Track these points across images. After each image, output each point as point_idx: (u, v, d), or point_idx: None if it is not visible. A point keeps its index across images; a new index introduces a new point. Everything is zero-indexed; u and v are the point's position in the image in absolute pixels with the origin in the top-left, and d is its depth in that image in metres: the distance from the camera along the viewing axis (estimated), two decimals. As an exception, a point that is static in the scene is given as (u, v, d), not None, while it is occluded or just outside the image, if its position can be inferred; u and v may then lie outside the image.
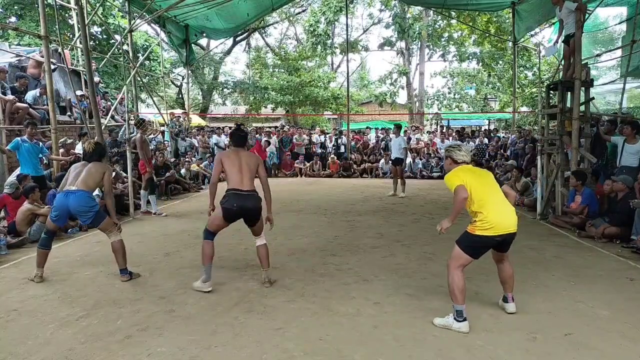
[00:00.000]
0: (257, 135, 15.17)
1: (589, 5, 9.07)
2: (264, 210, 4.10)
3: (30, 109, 8.61)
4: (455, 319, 3.14)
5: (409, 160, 14.34)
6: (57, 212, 4.21)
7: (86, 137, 8.13)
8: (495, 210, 3.15)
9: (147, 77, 17.54)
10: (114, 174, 8.31)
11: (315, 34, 21.42)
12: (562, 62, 7.91)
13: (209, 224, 4.05)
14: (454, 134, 16.18)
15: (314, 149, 15.27)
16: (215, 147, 14.39)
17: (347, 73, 18.18)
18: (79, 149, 8.52)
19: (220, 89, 25.99)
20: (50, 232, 4.35)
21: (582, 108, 6.91)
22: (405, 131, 16.58)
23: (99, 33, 17.48)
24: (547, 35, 27.67)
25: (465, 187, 3.12)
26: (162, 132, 14.28)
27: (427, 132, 17.51)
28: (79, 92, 10.02)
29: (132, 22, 11.09)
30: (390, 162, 11.28)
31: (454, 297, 3.15)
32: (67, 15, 14.59)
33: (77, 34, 10.17)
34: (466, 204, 3.16)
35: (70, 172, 4.37)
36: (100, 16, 13.62)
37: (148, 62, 17.33)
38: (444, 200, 9.16)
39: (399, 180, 9.89)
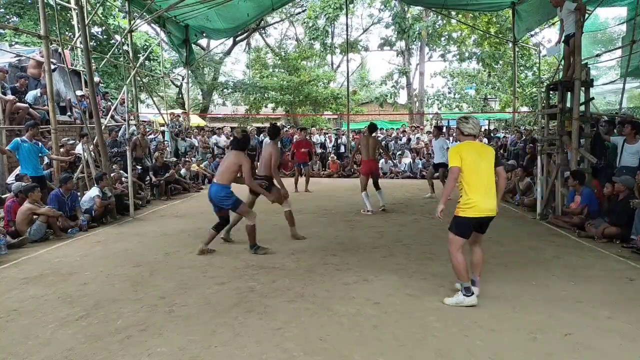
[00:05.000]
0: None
1: (589, 5, 9.06)
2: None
3: (30, 109, 8.61)
4: (464, 295, 3.45)
5: (408, 160, 14.35)
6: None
7: (86, 138, 8.14)
8: (479, 193, 3.38)
9: (147, 77, 17.54)
10: (113, 174, 8.34)
11: (313, 29, 21.36)
12: (562, 62, 7.92)
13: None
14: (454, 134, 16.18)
15: (314, 149, 15.25)
16: (215, 147, 14.39)
17: (347, 73, 18.18)
18: (79, 149, 8.53)
19: (220, 89, 25.98)
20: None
21: (582, 108, 6.91)
22: (404, 131, 16.62)
23: (99, 33, 17.48)
24: (547, 35, 27.73)
25: (459, 168, 3.38)
26: (162, 132, 14.31)
27: (427, 132, 17.50)
28: (79, 92, 10.02)
29: (132, 22, 11.09)
30: (432, 165, 10.34)
31: (460, 276, 3.47)
32: (67, 15, 14.58)
33: (77, 34, 10.17)
34: (455, 184, 3.46)
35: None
36: (101, 16, 13.63)
37: (148, 62, 17.33)
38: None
39: (433, 182, 9.60)
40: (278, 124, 18.75)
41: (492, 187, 3.44)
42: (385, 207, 8.04)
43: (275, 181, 5.79)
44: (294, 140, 15.07)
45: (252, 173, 5.00)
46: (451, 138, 15.62)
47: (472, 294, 3.47)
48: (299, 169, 11.21)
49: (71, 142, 8.31)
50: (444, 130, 17.78)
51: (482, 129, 19.61)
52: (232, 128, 17.61)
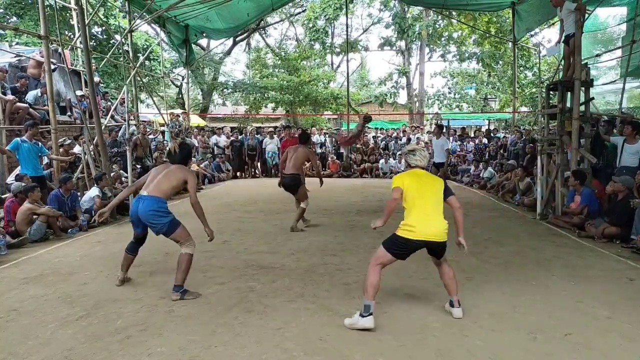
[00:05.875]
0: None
1: (589, 5, 9.07)
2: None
3: (30, 109, 8.62)
4: (361, 314, 3.18)
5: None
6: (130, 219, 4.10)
7: (81, 138, 8.14)
8: (420, 216, 3.28)
9: (147, 77, 17.54)
10: (113, 173, 8.34)
11: (314, 30, 21.37)
12: (562, 62, 7.91)
13: None
14: (454, 134, 16.20)
15: (314, 149, 15.27)
16: (215, 147, 14.39)
17: (347, 73, 18.17)
18: (78, 149, 8.53)
19: (220, 89, 25.99)
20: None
21: (582, 108, 6.91)
22: (404, 131, 16.62)
23: (99, 33, 17.48)
24: (547, 35, 27.73)
25: (400, 189, 3.34)
26: (162, 132, 14.31)
27: (427, 132, 17.51)
28: (79, 92, 10.02)
29: (132, 22, 11.09)
30: (432, 165, 10.06)
31: (365, 292, 3.25)
32: (67, 15, 14.58)
33: (77, 34, 10.17)
34: (397, 204, 3.36)
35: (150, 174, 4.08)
36: (101, 16, 13.63)
37: (148, 62, 17.33)
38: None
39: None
40: (278, 124, 18.82)
41: (438, 214, 3.31)
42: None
43: (318, 178, 6.79)
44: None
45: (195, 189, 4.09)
46: (451, 138, 15.65)
47: (370, 314, 3.16)
48: None
49: (68, 141, 8.31)
50: (444, 130, 17.86)
51: (482, 129, 19.68)
52: (232, 128, 17.60)
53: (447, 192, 3.40)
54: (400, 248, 3.31)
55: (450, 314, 3.41)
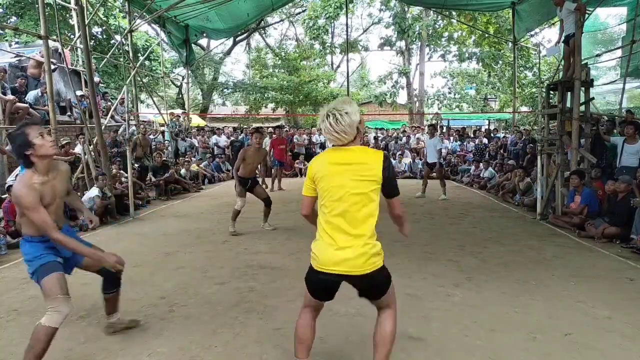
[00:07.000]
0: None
1: (589, 5, 9.07)
2: None
3: (30, 109, 8.61)
4: None
5: (408, 160, 14.35)
6: None
7: (81, 137, 8.14)
8: (327, 231, 2.13)
9: (147, 77, 17.54)
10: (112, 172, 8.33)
11: (314, 28, 21.35)
12: (562, 62, 7.91)
13: None
14: (454, 134, 16.20)
15: (313, 149, 15.27)
16: (215, 147, 14.39)
17: (347, 73, 18.16)
18: (78, 149, 8.53)
19: (220, 89, 25.99)
20: None
21: (582, 108, 6.91)
22: (404, 131, 16.62)
23: (99, 33, 17.48)
24: (547, 35, 27.75)
25: (311, 198, 2.29)
26: (162, 132, 14.31)
27: (427, 132, 17.48)
28: (79, 92, 10.02)
29: (132, 22, 11.09)
30: (425, 164, 10.20)
31: (294, 345, 2.34)
32: (67, 15, 14.59)
33: (77, 34, 10.17)
34: (309, 214, 2.35)
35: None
36: (101, 16, 13.63)
37: (148, 62, 17.33)
38: (444, 200, 9.17)
39: (427, 182, 9.64)
40: (278, 124, 18.81)
41: (358, 225, 2.09)
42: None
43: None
44: (294, 140, 15.16)
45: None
46: (451, 138, 15.64)
47: None
48: (278, 169, 11.23)
49: (66, 141, 8.31)
50: (444, 130, 17.85)
51: (482, 129, 19.68)
52: (234, 128, 17.60)
53: (388, 188, 2.15)
54: (311, 283, 2.26)
55: None
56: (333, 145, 2.20)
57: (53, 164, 2.68)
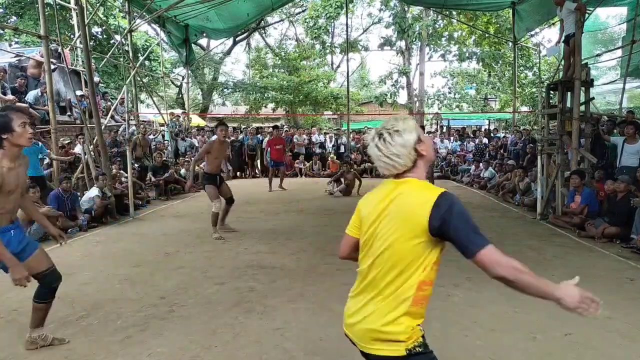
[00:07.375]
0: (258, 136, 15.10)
1: (589, 5, 9.07)
2: None
3: (30, 109, 8.61)
4: None
5: None
6: None
7: (80, 137, 8.15)
8: (356, 285, 1.74)
9: (147, 77, 17.54)
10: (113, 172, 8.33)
11: (315, 28, 21.34)
12: (562, 62, 7.91)
13: None
14: (455, 134, 16.20)
15: (313, 149, 15.27)
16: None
17: (347, 73, 18.16)
18: (78, 149, 8.53)
19: (220, 89, 25.98)
20: None
21: (582, 108, 6.91)
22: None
23: (99, 33, 17.48)
24: (547, 35, 27.73)
25: (354, 239, 1.88)
26: (162, 134, 14.31)
27: (427, 132, 17.50)
28: (78, 92, 10.02)
29: (132, 22, 11.09)
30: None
31: None
32: (67, 15, 14.58)
33: (77, 34, 10.17)
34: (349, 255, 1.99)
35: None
36: (101, 16, 13.63)
37: (148, 62, 17.33)
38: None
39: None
40: (278, 124, 18.81)
41: (378, 284, 1.61)
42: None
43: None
44: (294, 140, 15.16)
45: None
46: (451, 138, 15.64)
47: None
48: (273, 169, 11.16)
49: (67, 141, 8.32)
50: (444, 129, 17.85)
51: (482, 129, 19.69)
52: (234, 128, 17.60)
53: (467, 243, 1.50)
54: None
55: None
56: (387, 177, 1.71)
57: (21, 153, 2.73)
